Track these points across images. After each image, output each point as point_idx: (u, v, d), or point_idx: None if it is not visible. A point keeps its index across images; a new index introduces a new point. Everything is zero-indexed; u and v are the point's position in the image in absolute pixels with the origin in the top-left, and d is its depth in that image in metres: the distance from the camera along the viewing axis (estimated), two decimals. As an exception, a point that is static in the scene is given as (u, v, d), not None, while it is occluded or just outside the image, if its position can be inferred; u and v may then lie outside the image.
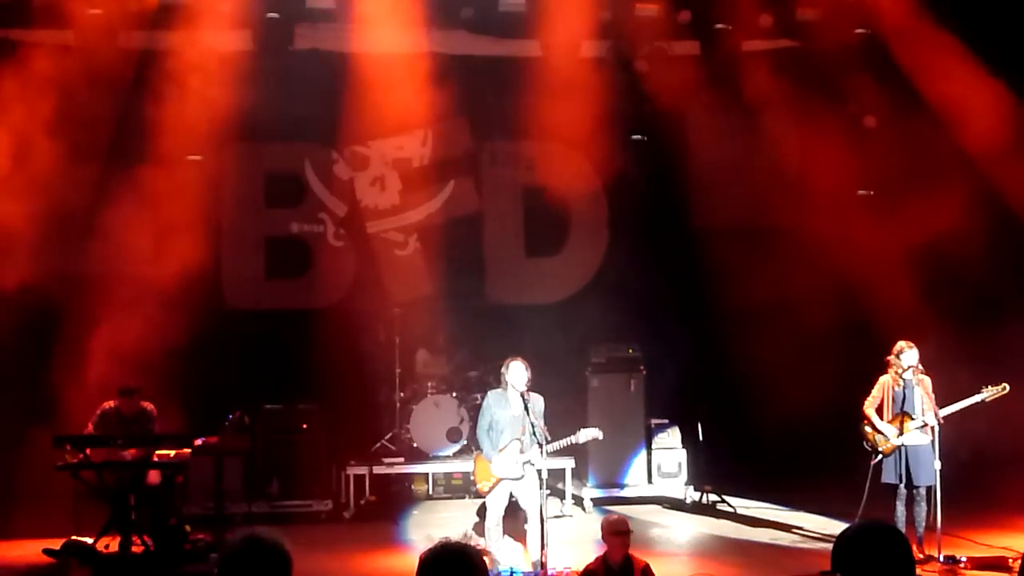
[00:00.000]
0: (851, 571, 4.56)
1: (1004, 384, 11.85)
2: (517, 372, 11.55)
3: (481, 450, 11.78)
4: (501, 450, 11.58)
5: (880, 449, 12.06)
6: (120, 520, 12.33)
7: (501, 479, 11.57)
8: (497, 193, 17.63)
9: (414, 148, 17.33)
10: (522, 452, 11.49)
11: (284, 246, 17.11)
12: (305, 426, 15.09)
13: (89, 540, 12.23)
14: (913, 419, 11.89)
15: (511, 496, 11.67)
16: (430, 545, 4.65)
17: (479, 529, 11.87)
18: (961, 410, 11.92)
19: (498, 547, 11.63)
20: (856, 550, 4.57)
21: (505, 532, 11.84)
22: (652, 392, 15.56)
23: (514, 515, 11.89)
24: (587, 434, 11.79)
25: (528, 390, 11.49)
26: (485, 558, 4.59)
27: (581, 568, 10.04)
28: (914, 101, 15.33)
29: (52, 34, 14.76)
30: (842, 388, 13.60)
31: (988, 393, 11.86)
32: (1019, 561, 11.48)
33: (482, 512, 12.20)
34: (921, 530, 11.89)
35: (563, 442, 11.53)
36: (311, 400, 15.31)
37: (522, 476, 11.50)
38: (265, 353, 16.07)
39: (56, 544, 12.16)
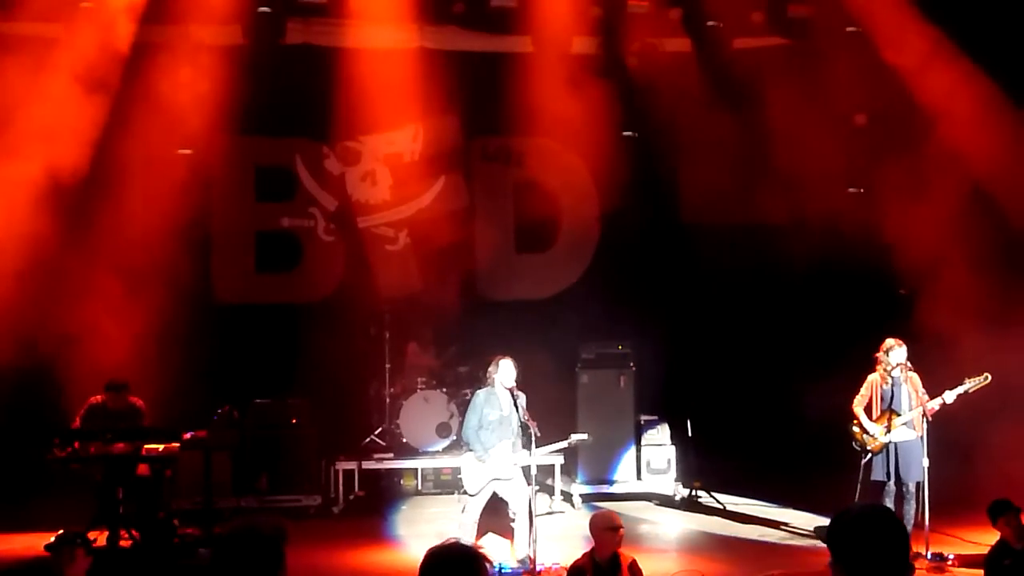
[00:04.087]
0: (847, 553, 4.56)
1: (986, 374, 11.83)
2: (507, 370, 11.60)
3: (472, 450, 11.78)
4: (491, 450, 11.59)
5: (869, 448, 12.10)
6: (108, 514, 12.33)
7: (491, 479, 11.60)
8: (488, 189, 17.64)
9: (405, 143, 17.32)
10: (513, 452, 11.52)
11: (274, 240, 17.11)
12: (294, 421, 15.07)
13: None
14: (900, 416, 11.92)
15: (496, 494, 11.69)
16: (437, 542, 4.66)
17: (458, 524, 11.86)
18: (944, 404, 11.90)
19: (472, 543, 11.66)
20: (852, 533, 4.56)
21: (492, 528, 11.86)
22: (642, 388, 15.55)
23: (501, 511, 11.90)
24: (576, 438, 11.89)
25: (516, 387, 11.55)
26: (486, 563, 4.59)
27: (569, 564, 10.05)
28: (904, 99, 15.35)
29: (42, 27, 14.72)
30: (832, 385, 13.62)
31: (970, 384, 11.85)
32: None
33: (464, 509, 12.18)
34: (910, 527, 11.87)
35: (553, 447, 11.57)
36: (300, 395, 15.30)
37: (512, 477, 11.53)
38: (255, 347, 16.08)
39: (47, 537, 12.19)
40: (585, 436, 12.05)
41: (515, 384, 11.59)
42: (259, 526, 4.61)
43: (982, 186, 15.08)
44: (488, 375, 11.85)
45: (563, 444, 11.83)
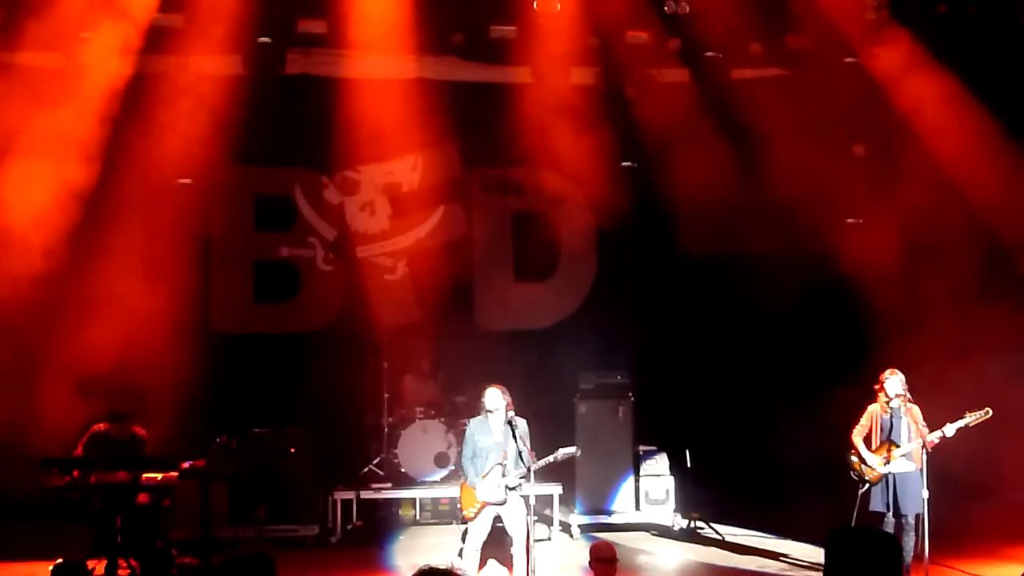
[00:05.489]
0: (840, 571, 4.55)
1: (987, 408, 11.77)
2: (493, 397, 11.63)
3: (466, 478, 11.79)
4: (484, 476, 11.60)
5: (867, 478, 12.07)
6: (106, 543, 12.29)
7: (485, 504, 11.59)
8: (486, 219, 17.64)
9: (404, 173, 17.35)
10: (504, 476, 11.53)
11: (273, 270, 17.10)
12: (292, 450, 15.03)
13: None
14: (899, 448, 11.90)
15: (496, 522, 11.68)
16: (414, 571, 4.65)
17: (461, 554, 11.84)
18: (944, 437, 11.86)
19: (476, 572, 11.63)
20: (847, 551, 4.56)
21: (492, 557, 11.83)
22: (640, 419, 15.51)
23: (501, 540, 11.87)
24: (565, 452, 11.82)
25: (513, 415, 11.55)
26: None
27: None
28: (903, 130, 15.41)
29: (42, 57, 14.77)
30: (830, 416, 13.61)
31: (971, 418, 11.80)
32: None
33: (465, 537, 12.18)
34: (909, 559, 11.83)
35: (542, 462, 11.54)
36: (299, 424, 15.26)
37: (504, 500, 11.51)
38: (253, 377, 16.06)
39: (46, 566, 12.14)
40: (573, 450, 11.95)
41: (512, 411, 11.60)
42: (258, 551, 4.63)
43: (976, 215, 15.13)
44: (480, 404, 11.90)
45: (551, 458, 11.79)
